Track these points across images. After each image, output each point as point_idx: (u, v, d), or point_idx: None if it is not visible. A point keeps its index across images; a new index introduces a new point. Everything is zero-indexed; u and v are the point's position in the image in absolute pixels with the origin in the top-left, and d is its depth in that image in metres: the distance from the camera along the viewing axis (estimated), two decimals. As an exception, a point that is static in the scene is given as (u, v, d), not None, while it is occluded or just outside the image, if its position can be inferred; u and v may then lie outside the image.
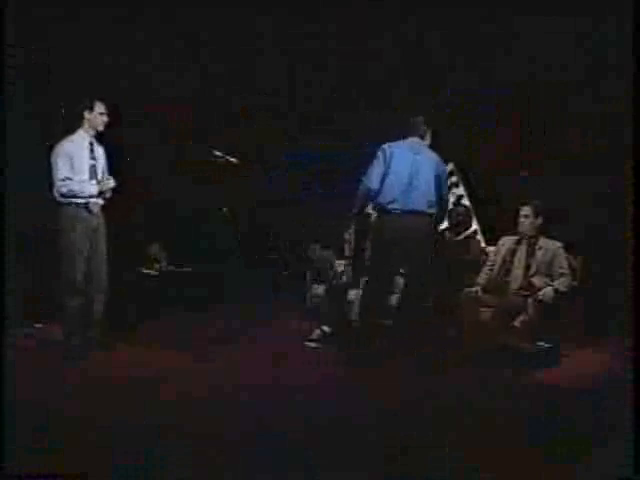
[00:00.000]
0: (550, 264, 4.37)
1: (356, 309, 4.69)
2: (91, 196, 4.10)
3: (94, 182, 4.11)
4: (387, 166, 4.04)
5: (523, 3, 4.83)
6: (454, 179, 6.14)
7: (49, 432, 2.61)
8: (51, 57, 4.80)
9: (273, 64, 5.87)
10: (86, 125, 4.15)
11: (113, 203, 4.27)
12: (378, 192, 4.06)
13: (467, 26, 5.18)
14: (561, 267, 4.35)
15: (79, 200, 4.07)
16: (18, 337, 4.19)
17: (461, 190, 6.10)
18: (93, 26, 4.96)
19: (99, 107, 4.13)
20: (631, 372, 2.63)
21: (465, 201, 6.04)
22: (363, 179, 4.12)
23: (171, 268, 6.06)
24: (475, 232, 4.97)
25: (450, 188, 6.16)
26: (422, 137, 4.19)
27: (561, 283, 4.28)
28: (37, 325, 4.76)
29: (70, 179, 4.03)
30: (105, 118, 4.16)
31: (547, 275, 4.36)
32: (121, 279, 5.12)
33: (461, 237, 5.11)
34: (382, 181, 4.04)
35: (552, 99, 5.32)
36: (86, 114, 4.13)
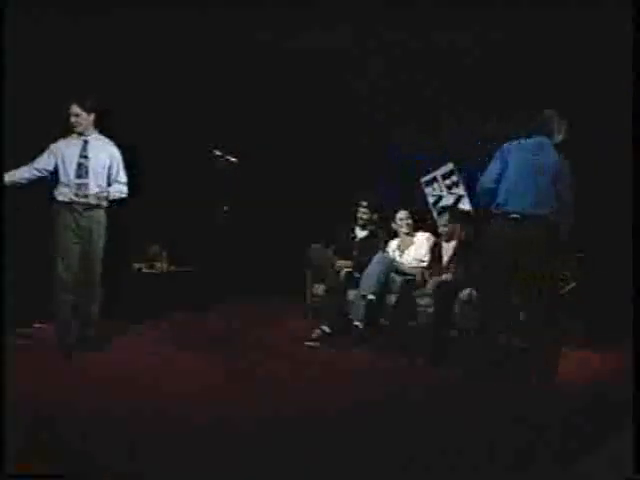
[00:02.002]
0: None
1: (359, 313, 4.63)
2: (71, 198, 4.10)
3: (79, 182, 4.11)
4: (503, 165, 3.79)
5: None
6: (454, 179, 6.14)
7: (49, 432, 2.62)
8: (51, 57, 4.79)
9: (272, 64, 5.87)
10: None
11: (114, 203, 4.28)
12: (495, 192, 3.81)
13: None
14: None
15: (63, 199, 4.11)
16: (18, 337, 4.19)
17: (461, 190, 6.08)
18: (93, 26, 4.96)
19: (72, 108, 4.16)
20: (631, 372, 2.63)
21: (465, 202, 6.02)
22: (481, 178, 3.92)
23: (171, 268, 6.06)
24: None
25: (450, 188, 6.19)
26: (551, 134, 3.84)
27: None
28: (37, 325, 4.76)
29: (39, 170, 4.09)
30: (82, 119, 4.15)
31: None
32: (121, 279, 5.13)
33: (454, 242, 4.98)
34: (498, 180, 3.80)
35: (551, 98, 5.31)
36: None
